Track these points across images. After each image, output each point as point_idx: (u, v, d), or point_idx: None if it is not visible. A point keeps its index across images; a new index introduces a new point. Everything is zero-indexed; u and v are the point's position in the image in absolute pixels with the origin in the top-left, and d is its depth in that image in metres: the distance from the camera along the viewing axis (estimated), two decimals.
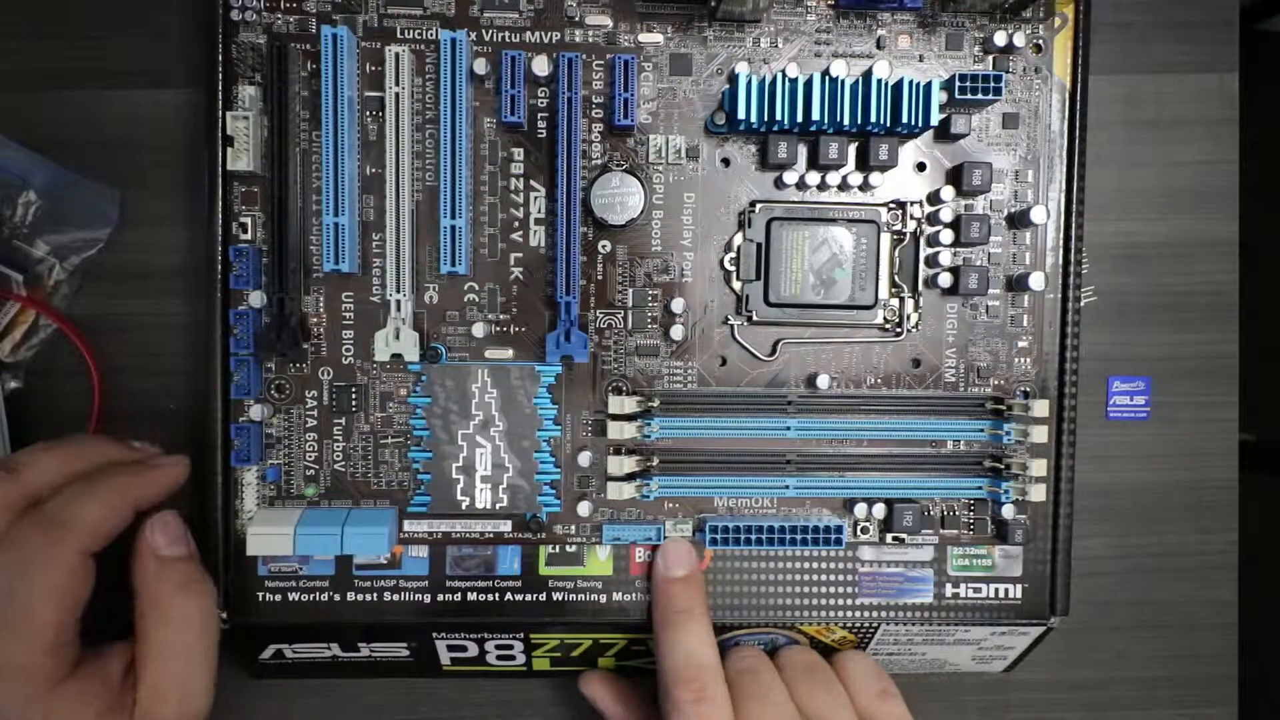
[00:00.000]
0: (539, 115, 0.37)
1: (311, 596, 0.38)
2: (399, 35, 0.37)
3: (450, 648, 0.40)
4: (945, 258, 0.38)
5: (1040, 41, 0.38)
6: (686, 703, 0.34)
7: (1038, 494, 0.39)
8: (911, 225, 0.38)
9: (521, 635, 0.39)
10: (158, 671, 0.33)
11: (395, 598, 0.38)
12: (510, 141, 0.37)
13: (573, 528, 0.38)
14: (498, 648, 0.40)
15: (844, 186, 0.38)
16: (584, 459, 0.38)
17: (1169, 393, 0.44)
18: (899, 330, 0.39)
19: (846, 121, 0.36)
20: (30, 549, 0.31)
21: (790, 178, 0.38)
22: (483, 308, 0.38)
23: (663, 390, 0.38)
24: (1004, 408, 0.38)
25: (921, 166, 0.38)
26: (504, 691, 0.43)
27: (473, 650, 0.40)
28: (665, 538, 0.38)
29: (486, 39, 0.37)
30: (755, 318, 0.38)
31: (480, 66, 0.36)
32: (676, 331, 0.38)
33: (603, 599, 0.38)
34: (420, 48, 0.37)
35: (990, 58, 0.38)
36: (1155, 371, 0.43)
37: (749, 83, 0.35)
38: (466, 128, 0.36)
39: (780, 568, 0.39)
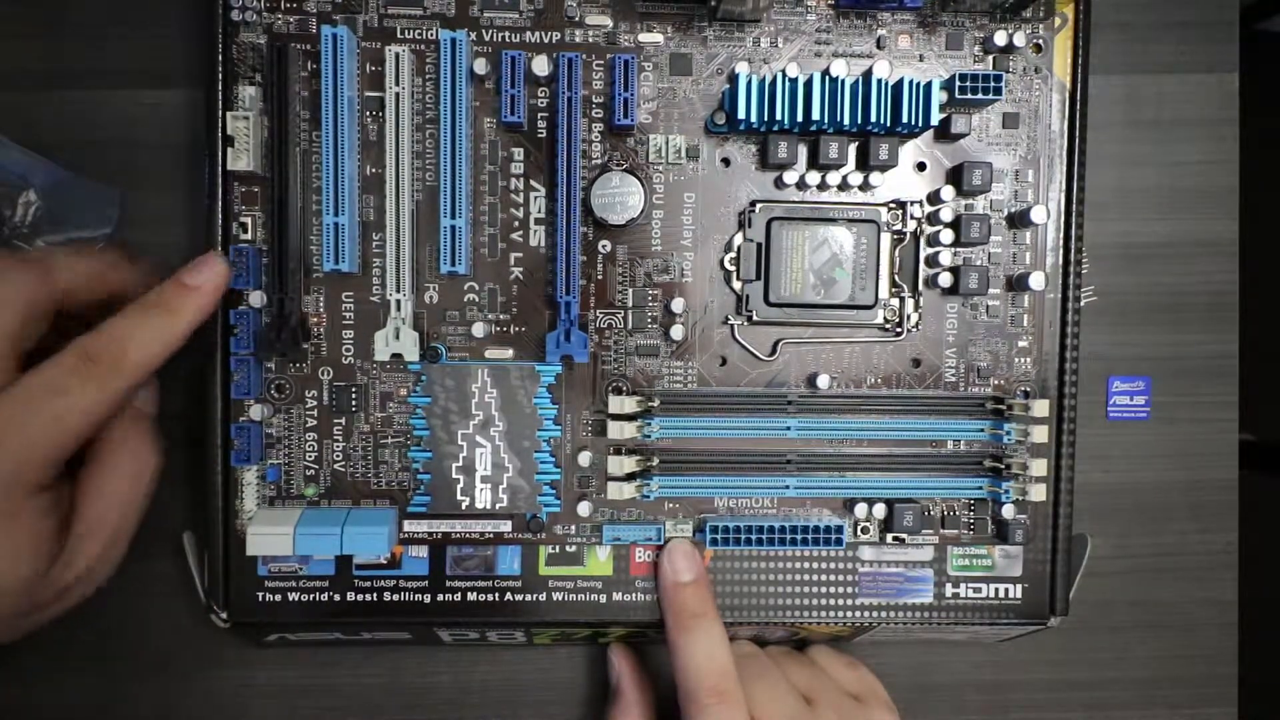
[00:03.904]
0: (539, 115, 0.37)
1: (311, 596, 0.38)
2: (399, 35, 0.37)
3: (452, 633, 0.40)
4: (945, 257, 0.38)
5: (1040, 41, 0.38)
6: (712, 705, 0.35)
7: (1038, 494, 0.39)
8: (911, 225, 0.38)
9: (522, 629, 0.39)
10: (99, 514, 0.33)
11: (395, 598, 0.38)
12: (510, 141, 0.37)
13: (573, 528, 0.38)
14: (499, 634, 0.40)
15: (844, 186, 0.38)
16: (584, 459, 0.38)
17: (1169, 393, 0.44)
18: (899, 330, 0.39)
19: (846, 121, 0.36)
20: (76, 377, 0.31)
21: (790, 177, 0.38)
22: (483, 308, 0.38)
23: (663, 390, 0.38)
24: (1004, 408, 0.38)
25: (921, 166, 0.38)
26: (504, 691, 0.43)
27: (473, 635, 0.40)
28: (665, 538, 0.38)
29: (486, 39, 0.37)
30: (755, 318, 0.38)
31: (480, 66, 0.36)
32: (676, 331, 0.38)
33: (603, 599, 0.38)
34: (420, 48, 0.37)
35: (990, 57, 0.38)
36: (1155, 371, 0.43)
37: (749, 82, 0.35)
38: (466, 128, 0.36)
39: (780, 568, 0.39)
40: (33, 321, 0.32)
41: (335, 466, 0.38)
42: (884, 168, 0.37)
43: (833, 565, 0.39)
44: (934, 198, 0.38)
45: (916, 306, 0.39)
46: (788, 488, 0.38)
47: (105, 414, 0.32)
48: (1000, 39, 0.37)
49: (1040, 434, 0.38)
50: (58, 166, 0.39)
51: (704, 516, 0.38)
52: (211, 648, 0.41)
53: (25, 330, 0.32)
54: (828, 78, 0.36)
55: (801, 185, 0.38)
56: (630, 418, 0.38)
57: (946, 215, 0.38)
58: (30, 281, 0.33)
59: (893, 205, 0.38)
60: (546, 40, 0.37)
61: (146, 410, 0.36)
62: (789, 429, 0.38)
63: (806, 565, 0.39)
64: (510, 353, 0.38)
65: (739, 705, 0.35)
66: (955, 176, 0.38)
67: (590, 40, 0.37)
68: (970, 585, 0.39)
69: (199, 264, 0.35)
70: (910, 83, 0.35)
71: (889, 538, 0.39)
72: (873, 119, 0.36)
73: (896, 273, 0.38)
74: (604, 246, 0.38)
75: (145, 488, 0.35)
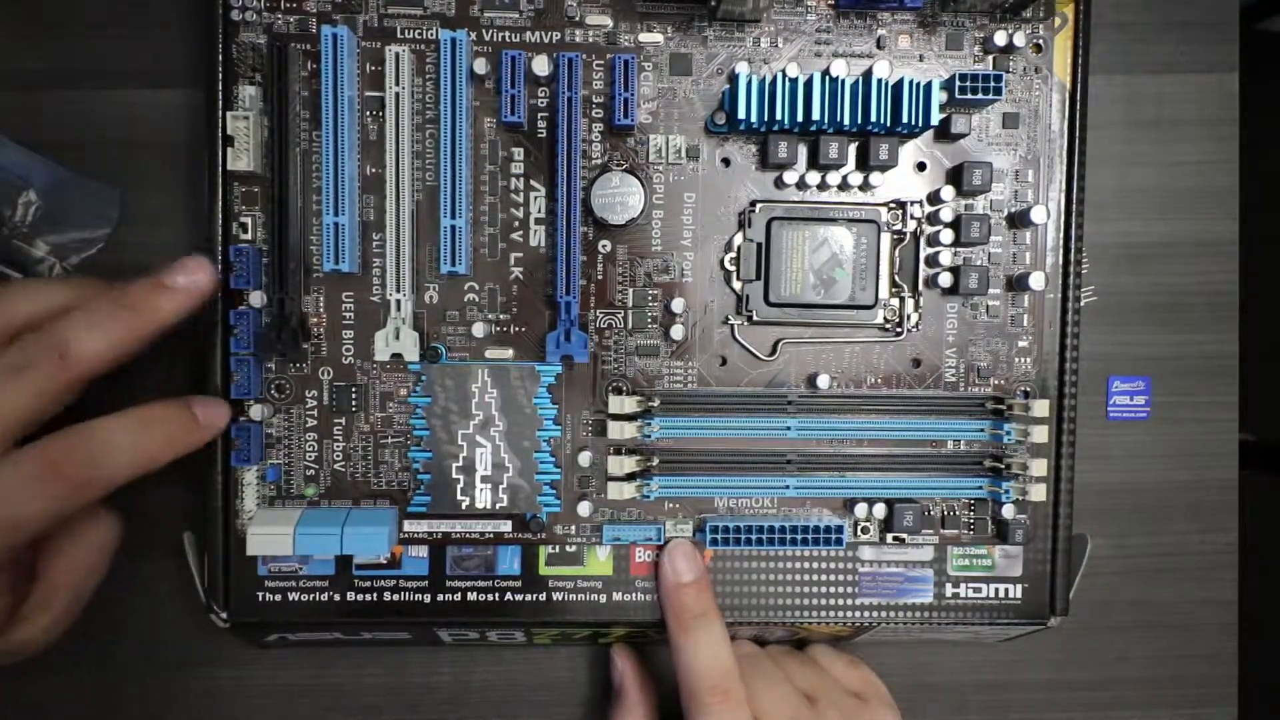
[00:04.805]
0: (539, 115, 0.37)
1: (311, 596, 0.38)
2: (399, 35, 0.37)
3: (451, 633, 0.40)
4: (945, 258, 0.38)
5: (1040, 41, 0.38)
6: (715, 705, 0.35)
7: (1038, 494, 0.39)
8: (911, 225, 0.38)
9: (522, 629, 0.39)
10: (59, 583, 0.33)
11: (395, 598, 0.38)
12: (510, 141, 0.37)
13: (573, 528, 0.38)
14: (499, 634, 0.40)
15: (844, 186, 0.38)
16: (584, 459, 0.38)
17: (1169, 393, 0.44)
18: (899, 330, 0.39)
19: (846, 121, 0.36)
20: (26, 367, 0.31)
21: (790, 177, 0.38)
22: (483, 308, 0.38)
23: (663, 390, 0.38)
24: (1004, 408, 0.38)
25: (921, 166, 0.38)
26: (503, 691, 0.43)
27: (473, 635, 0.40)
28: (666, 538, 0.38)
29: (486, 39, 0.37)
30: (755, 318, 0.38)
31: (480, 66, 0.36)
32: (677, 331, 0.38)
33: (603, 599, 0.38)
34: (420, 48, 0.37)
35: (990, 57, 0.38)
36: (1155, 371, 0.43)
37: (749, 82, 0.35)
38: (466, 128, 0.36)
39: (780, 568, 0.39)
40: None
41: (335, 466, 0.38)
42: (884, 168, 0.37)
43: (833, 565, 0.39)
44: (934, 198, 0.38)
45: (916, 306, 0.38)
46: (788, 488, 0.38)
47: (65, 519, 0.32)
48: (1000, 39, 0.37)
49: (1040, 434, 0.38)
50: (58, 166, 0.39)
51: (704, 516, 0.38)
52: (211, 648, 0.41)
53: None
54: (828, 78, 0.36)
55: (801, 185, 0.38)
56: (630, 418, 0.38)
57: (946, 215, 0.38)
58: None
59: (893, 205, 0.38)
60: (546, 40, 0.37)
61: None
62: (789, 429, 0.38)
63: (806, 565, 0.39)
64: (510, 353, 0.38)
65: (741, 705, 0.35)
66: (955, 176, 0.38)
67: (590, 40, 0.37)
68: (970, 585, 0.39)
69: (208, 401, 0.35)
70: (910, 83, 0.35)
71: (889, 538, 0.39)
72: (873, 119, 0.36)
73: (896, 273, 0.38)
74: (604, 246, 0.38)
75: (108, 557, 0.35)
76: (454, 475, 0.38)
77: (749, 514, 0.39)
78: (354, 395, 0.37)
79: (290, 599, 0.37)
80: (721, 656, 0.36)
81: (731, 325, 0.38)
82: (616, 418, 0.38)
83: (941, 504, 0.39)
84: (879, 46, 0.38)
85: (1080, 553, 0.40)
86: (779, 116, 0.35)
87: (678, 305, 0.38)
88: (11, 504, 0.30)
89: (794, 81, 0.36)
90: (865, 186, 0.38)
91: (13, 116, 0.39)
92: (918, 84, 0.35)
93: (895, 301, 0.38)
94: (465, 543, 0.38)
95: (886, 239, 0.38)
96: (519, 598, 0.38)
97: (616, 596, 0.39)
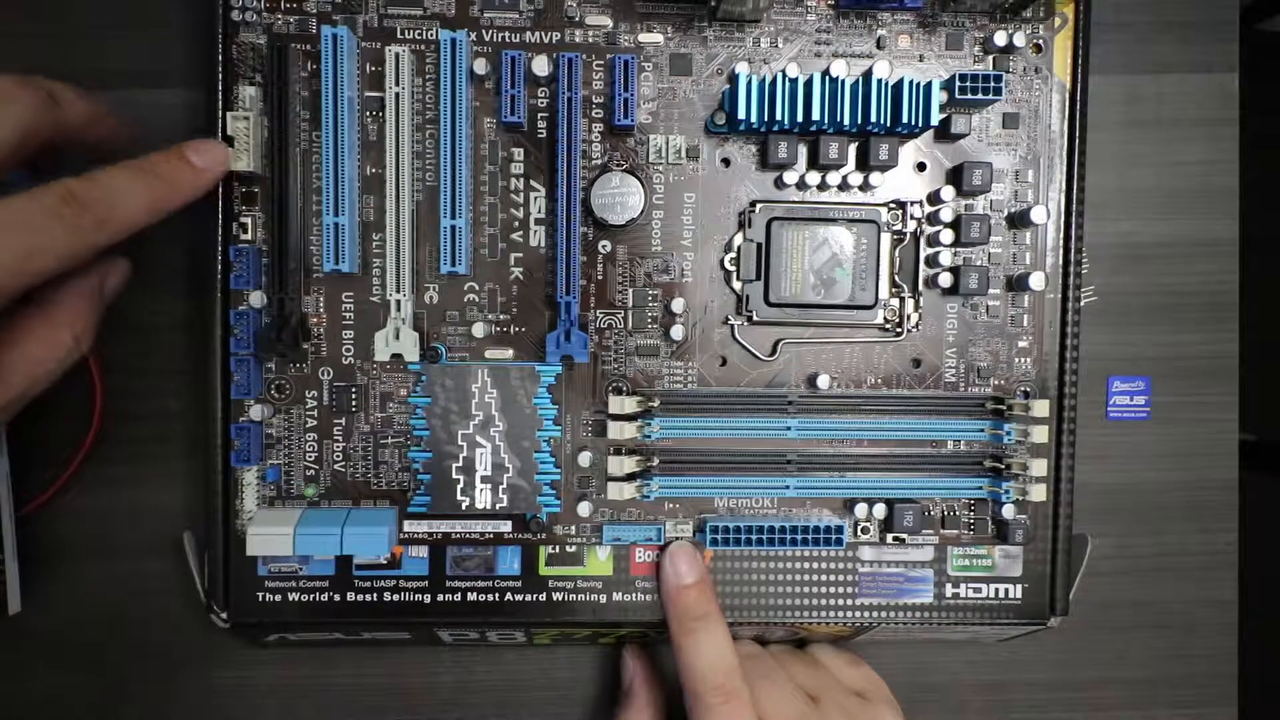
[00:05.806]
0: (539, 115, 0.37)
1: (311, 596, 0.38)
2: (399, 35, 0.37)
3: (452, 633, 0.40)
4: (945, 258, 0.38)
5: (1040, 41, 0.38)
6: (718, 705, 0.35)
7: (1038, 494, 0.39)
8: (912, 225, 0.38)
9: (522, 630, 0.39)
10: (12, 369, 0.32)
11: (395, 598, 0.38)
12: (510, 141, 0.37)
13: (573, 528, 0.38)
14: (499, 634, 0.40)
15: (844, 186, 0.38)
16: (584, 459, 0.38)
17: (1169, 393, 0.44)
18: (899, 330, 0.39)
19: (846, 121, 0.36)
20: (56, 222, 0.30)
21: (790, 178, 0.38)
22: (483, 308, 0.38)
23: (663, 390, 0.38)
24: (1004, 408, 0.38)
25: (922, 166, 0.38)
26: (504, 691, 0.43)
27: (473, 635, 0.40)
28: (666, 538, 0.38)
29: (486, 39, 0.37)
30: (755, 318, 0.38)
31: (480, 66, 0.36)
32: (677, 331, 0.38)
33: (603, 599, 0.38)
34: (420, 48, 0.37)
35: (990, 58, 0.38)
36: (1155, 371, 0.43)
37: (749, 83, 0.35)
38: (466, 128, 0.36)
39: (780, 568, 0.39)
40: (25, 147, 0.31)
41: (335, 467, 0.38)
42: (884, 168, 0.37)
43: (833, 565, 0.39)
44: (934, 198, 0.38)
45: (916, 306, 0.38)
46: (788, 488, 0.38)
47: (73, 265, 0.31)
48: (1000, 39, 0.37)
49: (1040, 434, 0.38)
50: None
51: (704, 516, 0.38)
52: (211, 648, 0.41)
53: (16, 153, 0.31)
54: (828, 78, 0.36)
55: (801, 185, 0.38)
56: (630, 418, 0.38)
57: (946, 215, 0.38)
58: (34, 105, 0.31)
59: (893, 205, 0.38)
60: (546, 40, 0.37)
61: (106, 295, 0.35)
62: (789, 429, 0.38)
63: (807, 565, 0.39)
64: (510, 353, 0.38)
65: (745, 705, 0.35)
66: (955, 176, 0.38)
67: (590, 40, 0.37)
68: (970, 585, 0.39)
69: (204, 145, 0.34)
70: (910, 83, 0.35)
71: (889, 538, 0.39)
72: (873, 119, 0.36)
73: (896, 273, 0.38)
74: (604, 246, 0.38)
75: (63, 365, 0.33)
76: (454, 475, 0.37)
77: (749, 514, 0.39)
78: (354, 395, 0.37)
79: (290, 599, 0.37)
80: (725, 657, 0.36)
81: (731, 325, 0.38)
82: (616, 418, 0.38)
83: (941, 504, 0.39)
84: (879, 46, 0.38)
85: (1080, 553, 0.40)
86: (779, 116, 0.35)
87: (678, 305, 0.38)
88: (34, 230, 0.29)
89: (794, 81, 0.36)
90: (865, 186, 0.38)
91: None
92: (918, 84, 0.35)
93: (895, 301, 0.38)
94: (465, 543, 0.38)
95: (886, 239, 0.38)
96: (519, 598, 0.38)
97: (617, 596, 0.39)
